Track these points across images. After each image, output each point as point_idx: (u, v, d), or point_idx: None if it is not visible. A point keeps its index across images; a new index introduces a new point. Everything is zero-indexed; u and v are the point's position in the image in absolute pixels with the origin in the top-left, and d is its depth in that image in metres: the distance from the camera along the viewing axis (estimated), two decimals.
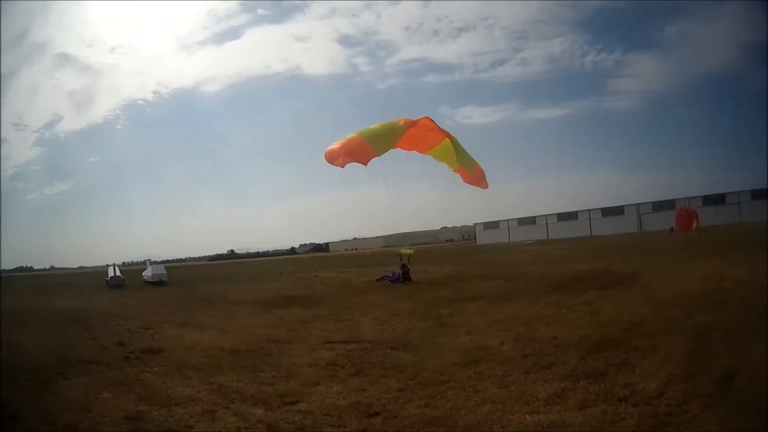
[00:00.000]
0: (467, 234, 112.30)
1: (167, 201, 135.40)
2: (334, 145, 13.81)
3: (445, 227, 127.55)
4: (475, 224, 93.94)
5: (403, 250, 18.78)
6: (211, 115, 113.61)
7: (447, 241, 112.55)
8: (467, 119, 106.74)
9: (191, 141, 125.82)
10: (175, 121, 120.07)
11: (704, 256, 16.86)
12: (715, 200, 60.44)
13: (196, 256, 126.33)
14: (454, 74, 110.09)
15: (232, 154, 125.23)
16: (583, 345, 6.72)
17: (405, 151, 15.29)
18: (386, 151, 14.10)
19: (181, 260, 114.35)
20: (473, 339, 7.77)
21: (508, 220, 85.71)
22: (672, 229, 40.39)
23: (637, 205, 70.30)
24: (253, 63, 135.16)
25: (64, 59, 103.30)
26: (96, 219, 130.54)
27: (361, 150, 13.51)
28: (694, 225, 38.56)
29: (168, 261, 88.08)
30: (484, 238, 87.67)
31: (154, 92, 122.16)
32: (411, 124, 14.77)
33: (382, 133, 14.22)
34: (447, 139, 15.36)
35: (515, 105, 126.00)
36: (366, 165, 13.45)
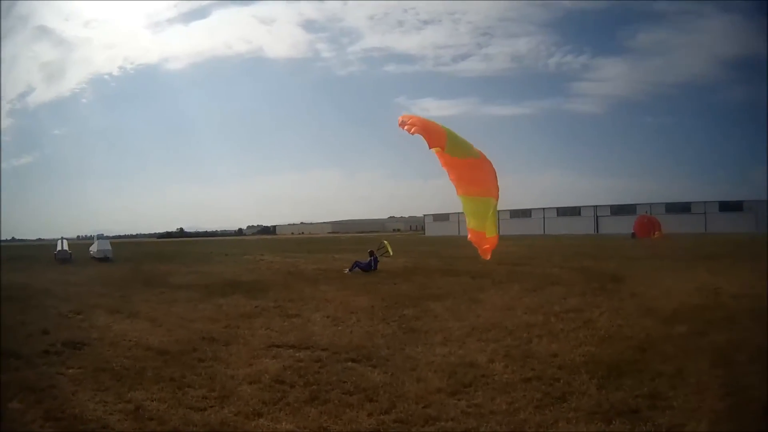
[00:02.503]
0: (415, 225, 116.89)
1: (124, 176, 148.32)
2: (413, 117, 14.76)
3: (393, 217, 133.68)
4: (424, 215, 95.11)
5: (388, 245, 19.18)
6: (172, 92, 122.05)
7: (394, 230, 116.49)
8: (424, 111, 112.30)
9: (151, 117, 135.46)
10: (138, 97, 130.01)
11: (686, 267, 16.98)
12: (679, 208, 63.69)
13: (147, 232, 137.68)
14: (415, 65, 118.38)
15: (188, 133, 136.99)
16: (593, 367, 5.83)
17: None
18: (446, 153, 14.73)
19: (132, 236, 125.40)
20: (453, 352, 6.63)
21: (458, 213, 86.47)
22: (633, 234, 41.89)
23: (595, 207, 72.92)
24: (217, 43, 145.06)
25: (42, 32, 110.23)
26: (56, 191, 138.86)
27: (437, 135, 14.13)
28: (657, 233, 40.28)
29: (120, 237, 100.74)
30: (433, 230, 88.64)
31: (120, 67, 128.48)
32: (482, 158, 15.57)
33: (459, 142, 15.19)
34: (495, 199, 15.79)
35: (474, 100, 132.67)
36: (430, 148, 13.87)
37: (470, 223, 17.17)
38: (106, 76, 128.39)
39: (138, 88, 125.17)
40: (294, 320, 9.15)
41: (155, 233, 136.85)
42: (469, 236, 16.96)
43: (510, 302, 10.52)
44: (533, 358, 6.29)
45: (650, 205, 63.16)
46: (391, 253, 19.18)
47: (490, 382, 5.38)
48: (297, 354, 6.68)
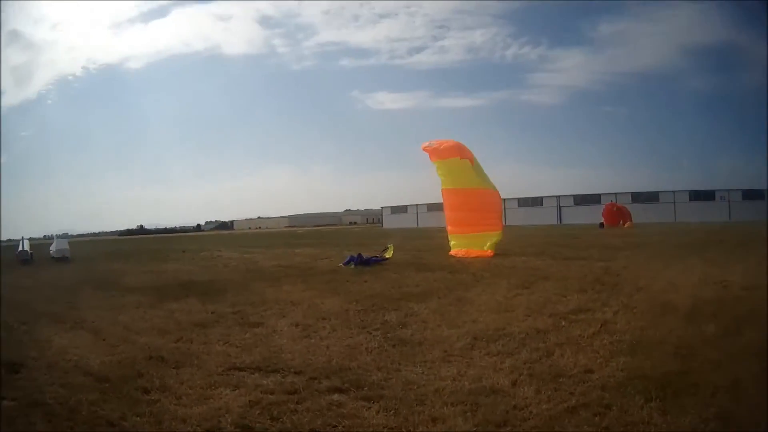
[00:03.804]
0: (371, 217, 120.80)
1: (88, 175, 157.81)
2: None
3: (349, 210, 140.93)
4: (382, 208, 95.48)
5: (391, 248, 19.68)
6: (132, 91, 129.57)
7: (351, 223, 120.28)
8: (378, 104, 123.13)
9: (112, 116, 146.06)
10: (99, 97, 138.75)
11: (676, 257, 16.69)
12: (646, 198, 65.28)
13: (109, 230, 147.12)
14: (370, 59, 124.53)
15: (147, 130, 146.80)
16: (641, 385, 4.88)
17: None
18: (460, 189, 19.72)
19: (95, 234, 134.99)
20: (463, 373, 5.48)
21: (417, 205, 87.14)
22: (602, 224, 42.37)
23: (558, 197, 74.08)
24: (175, 41, 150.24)
25: (14, 37, 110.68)
26: (25, 192, 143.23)
27: (468, 152, 19.44)
28: (628, 224, 40.90)
29: (83, 235, 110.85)
30: (390, 223, 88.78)
31: (83, 68, 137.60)
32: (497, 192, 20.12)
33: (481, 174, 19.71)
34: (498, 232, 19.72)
35: (429, 93, 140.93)
36: (461, 159, 19.14)
37: (460, 248, 19.03)
38: (69, 77, 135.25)
39: (99, 88, 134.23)
40: (256, 330, 7.95)
41: (116, 231, 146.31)
42: (452, 252, 18.70)
43: (504, 302, 9.56)
44: (565, 376, 5.25)
45: (615, 194, 64.30)
46: (389, 256, 18.81)
47: (527, 416, 4.27)
48: (264, 381, 5.40)
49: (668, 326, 7.28)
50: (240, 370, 5.84)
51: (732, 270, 12.54)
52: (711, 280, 11.28)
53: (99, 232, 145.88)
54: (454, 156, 19.07)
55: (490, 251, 18.96)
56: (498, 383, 5.04)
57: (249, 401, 4.78)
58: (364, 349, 6.47)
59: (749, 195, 59.58)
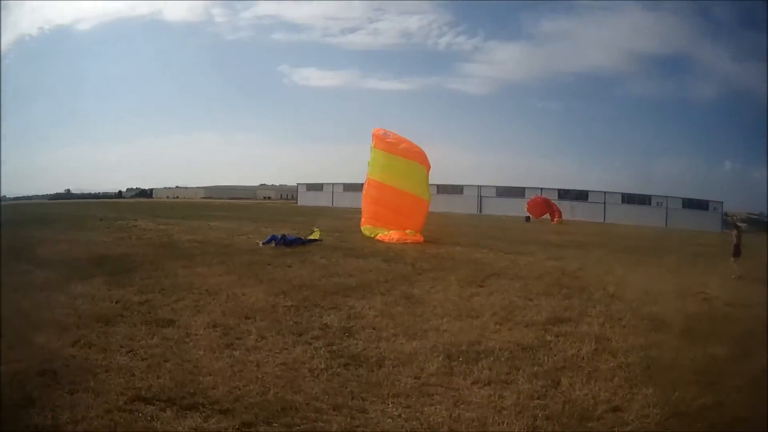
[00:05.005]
0: (286, 193, 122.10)
1: (27, 137, 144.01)
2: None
3: (264, 184, 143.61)
4: (297, 184, 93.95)
5: (318, 231, 19.22)
6: (77, 54, 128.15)
7: (265, 198, 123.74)
8: (305, 80, 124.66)
9: (57, 78, 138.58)
10: (48, 58, 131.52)
11: (633, 261, 16.60)
12: (574, 195, 67.49)
13: (41, 194, 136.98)
14: (302, 35, 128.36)
15: (87, 94, 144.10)
16: (684, 426, 4.19)
17: None
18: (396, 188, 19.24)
19: (27, 198, 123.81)
20: (456, 416, 4.11)
21: (333, 184, 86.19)
22: (528, 218, 43.15)
23: (479, 186, 75.19)
24: (121, 5, 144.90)
25: None
26: None
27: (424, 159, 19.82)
28: (557, 219, 41.95)
29: (18, 198, 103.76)
30: (306, 200, 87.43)
31: (39, 28, 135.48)
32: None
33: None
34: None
35: (357, 73, 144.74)
36: (423, 164, 19.69)
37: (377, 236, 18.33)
38: (27, 38, 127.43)
39: (49, 49, 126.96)
40: (166, 332, 6.43)
41: (47, 195, 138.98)
42: (379, 237, 17.72)
43: (462, 304, 8.45)
44: (592, 419, 4.15)
45: (541, 189, 65.84)
46: (317, 238, 17.92)
47: None
48: (179, 427, 3.81)
49: (669, 345, 6.59)
50: (146, 401, 4.21)
51: (704, 281, 12.49)
52: (688, 292, 10.97)
53: (32, 196, 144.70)
54: (414, 160, 19.15)
55: (419, 237, 18.54)
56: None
57: None
58: (308, 371, 4.90)
59: (690, 204, 63.64)
